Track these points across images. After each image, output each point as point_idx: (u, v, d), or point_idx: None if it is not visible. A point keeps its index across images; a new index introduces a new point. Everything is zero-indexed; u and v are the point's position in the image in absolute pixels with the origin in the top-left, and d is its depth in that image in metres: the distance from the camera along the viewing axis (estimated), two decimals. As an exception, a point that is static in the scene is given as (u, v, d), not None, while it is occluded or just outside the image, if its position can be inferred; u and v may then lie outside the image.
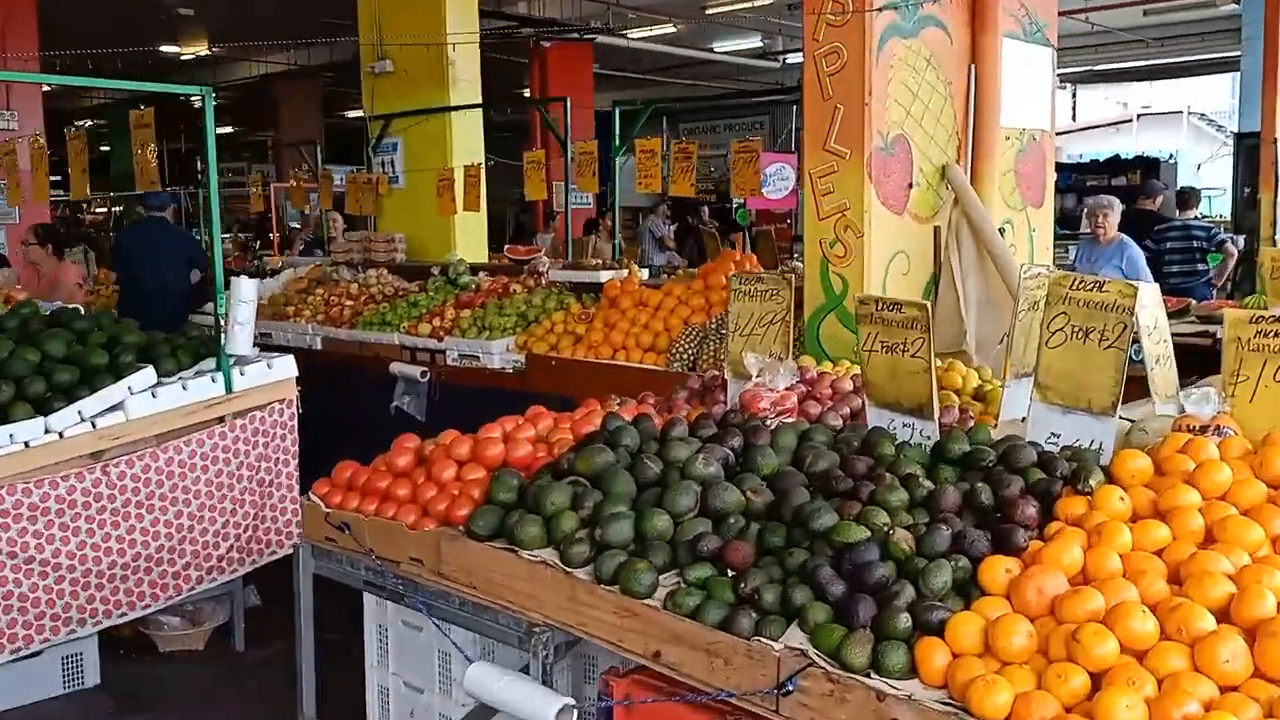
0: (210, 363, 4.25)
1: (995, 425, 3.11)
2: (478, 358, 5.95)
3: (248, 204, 13.06)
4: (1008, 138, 4.80)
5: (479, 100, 8.16)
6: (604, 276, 6.11)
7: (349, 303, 7.11)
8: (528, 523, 2.45)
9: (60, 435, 3.82)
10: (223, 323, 4.17)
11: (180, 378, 4.16)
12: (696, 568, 2.21)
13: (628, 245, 10.07)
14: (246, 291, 4.11)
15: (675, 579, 2.24)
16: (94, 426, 3.90)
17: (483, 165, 7.73)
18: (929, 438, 2.79)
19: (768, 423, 2.95)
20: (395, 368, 6.33)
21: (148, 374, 4.03)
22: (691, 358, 4.97)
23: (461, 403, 6.04)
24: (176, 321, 7.77)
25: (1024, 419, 2.96)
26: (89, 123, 26.78)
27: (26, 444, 3.74)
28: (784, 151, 11.55)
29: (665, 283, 5.77)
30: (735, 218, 12.49)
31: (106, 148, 26.37)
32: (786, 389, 3.05)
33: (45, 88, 20.35)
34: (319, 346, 6.93)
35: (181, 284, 7.44)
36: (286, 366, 4.46)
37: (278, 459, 4.46)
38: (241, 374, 4.30)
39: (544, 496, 2.48)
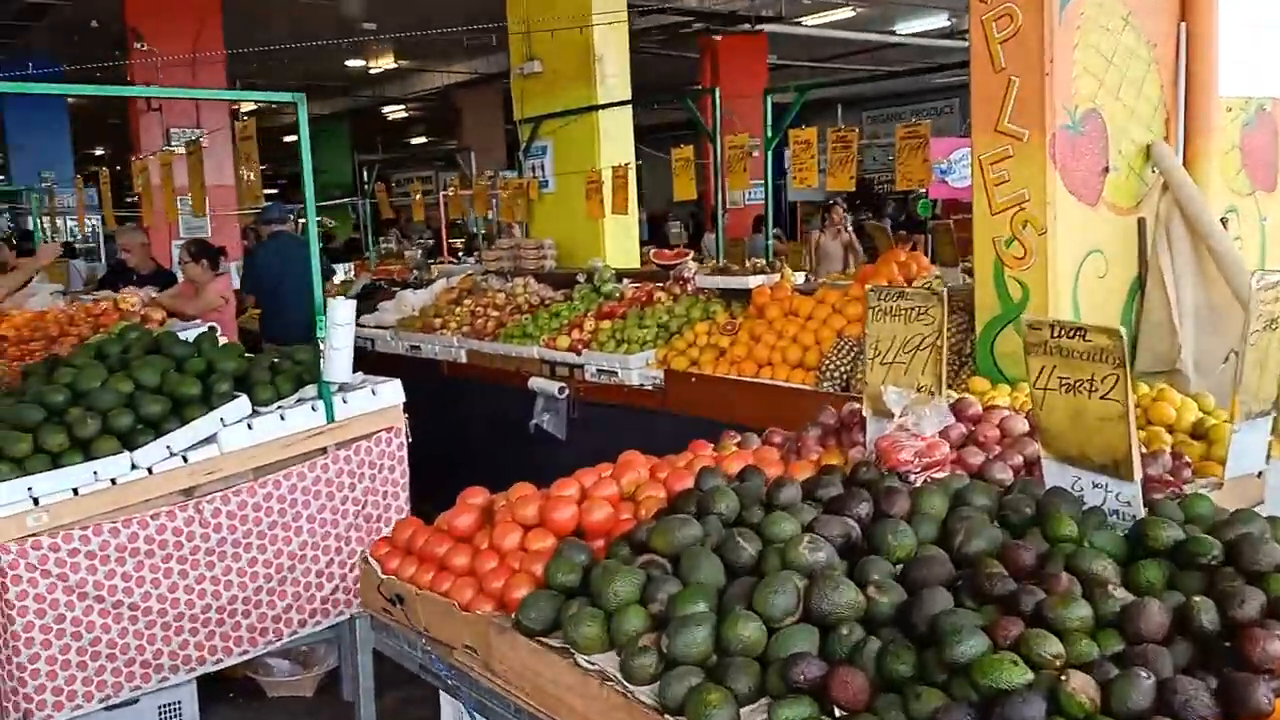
0: (311, 390, 3.95)
1: (1222, 482, 2.37)
2: (615, 373, 5.49)
3: (438, 212, 13.19)
4: (1229, 109, 3.93)
5: (629, 97, 7.71)
6: (753, 282, 5.53)
7: (494, 313, 6.81)
8: (585, 618, 1.92)
9: (149, 471, 3.58)
10: (321, 347, 3.85)
11: (279, 407, 3.87)
12: (789, 704, 1.62)
13: (795, 246, 9.42)
14: (342, 314, 3.78)
15: (763, 715, 1.67)
16: (185, 461, 3.65)
17: (631, 166, 7.28)
18: (1127, 504, 2.10)
19: (910, 479, 2.33)
20: (534, 383, 5.96)
21: (241, 404, 3.75)
22: (844, 376, 4.33)
23: (601, 422, 5.60)
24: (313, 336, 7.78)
25: (1261, 474, 2.22)
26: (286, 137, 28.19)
27: (113, 481, 3.52)
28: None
29: (818, 289, 5.14)
30: (916, 211, 11.61)
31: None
32: (937, 434, 2.41)
33: (236, 105, 21.39)
34: (463, 359, 6.66)
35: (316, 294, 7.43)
36: (392, 393, 4.11)
37: (386, 492, 4.12)
38: (344, 401, 3.98)
39: (607, 583, 1.95)
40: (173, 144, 10.69)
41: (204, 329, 5.29)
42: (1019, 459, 2.50)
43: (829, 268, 9.24)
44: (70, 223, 15.28)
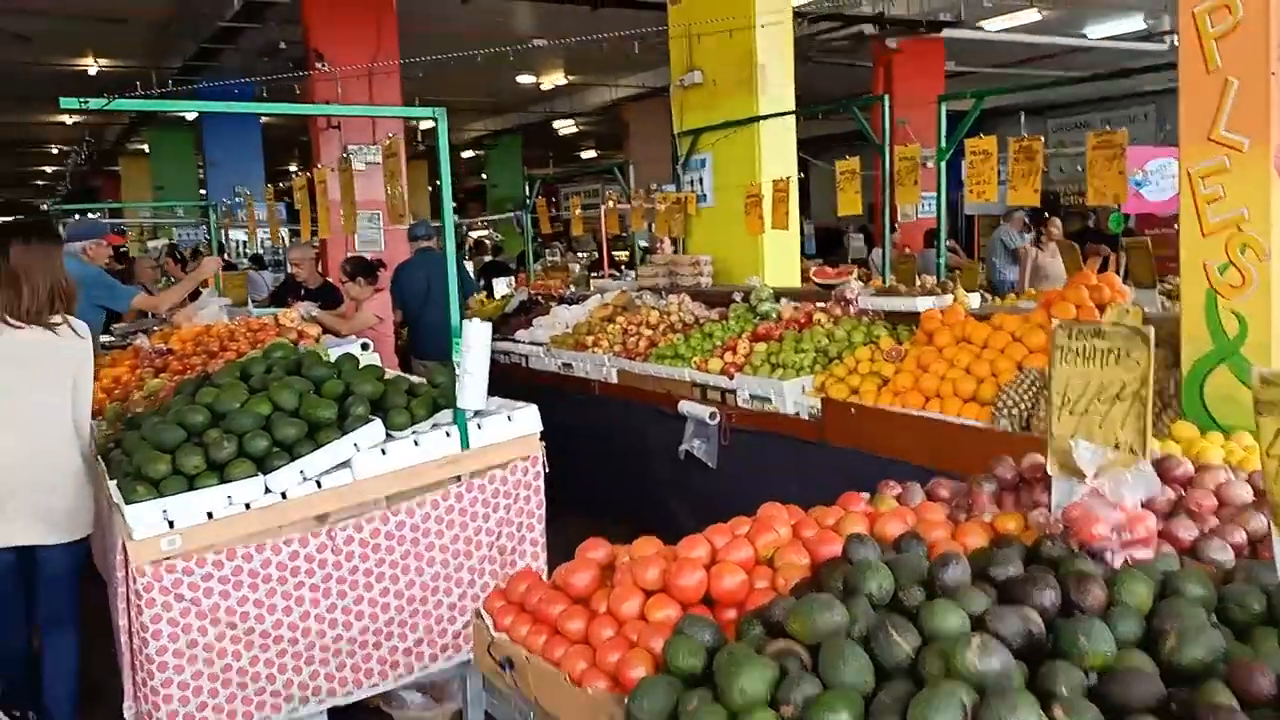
0: (446, 416, 3.80)
1: None
2: (769, 400, 5.18)
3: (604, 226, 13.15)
4: None
5: (792, 107, 7.38)
6: (922, 304, 5.12)
7: (647, 332, 6.60)
8: (706, 715, 1.64)
9: (283, 496, 3.51)
10: (457, 371, 3.70)
11: (414, 432, 3.74)
12: None
13: (970, 264, 8.80)
14: (477, 338, 3.61)
15: None
16: (319, 486, 3.56)
17: (794, 179, 6.94)
18: (1394, 607, 1.66)
19: (1109, 557, 1.94)
20: (684, 407, 5.71)
21: (375, 429, 3.64)
22: (1023, 413, 3.89)
23: (753, 452, 5.29)
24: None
25: None
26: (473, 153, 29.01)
27: (247, 505, 3.46)
28: (1170, 144, 9.73)
29: (995, 313, 4.68)
30: (1107, 226, 10.77)
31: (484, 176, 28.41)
32: (1140, 504, 2.01)
33: (420, 124, 22.02)
34: (614, 379, 6.47)
35: (462, 310, 7.44)
36: (529, 420, 3.93)
37: (521, 523, 3.94)
38: (479, 428, 3.82)
39: (733, 677, 1.66)
40: (353, 160, 11.02)
41: (352, 347, 5.30)
42: (1241, 535, 2.07)
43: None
44: (263, 235, 16.01)
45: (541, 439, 3.99)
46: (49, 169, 30.94)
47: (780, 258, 7.39)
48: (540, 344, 7.30)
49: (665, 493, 5.99)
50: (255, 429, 3.54)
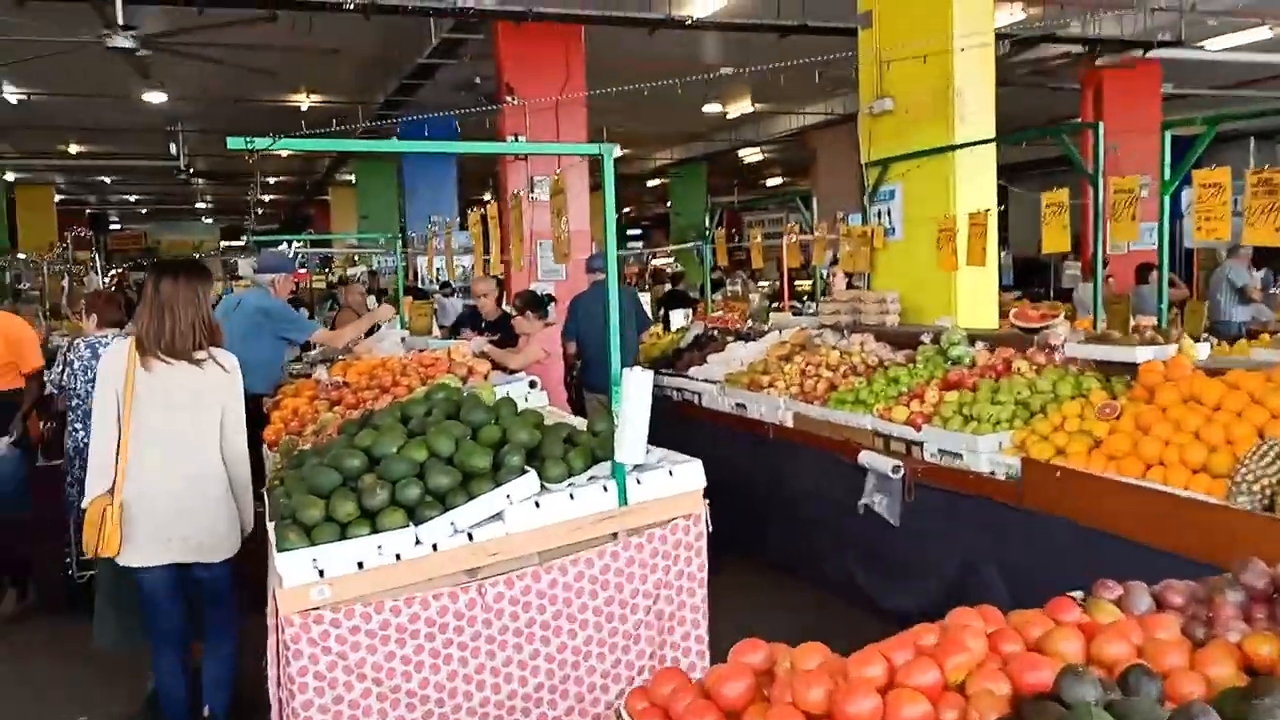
0: (604, 468, 3.58)
1: None
2: (961, 456, 4.73)
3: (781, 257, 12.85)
4: None
5: (992, 135, 6.86)
6: (1141, 355, 4.56)
7: (827, 373, 6.23)
8: None
9: (434, 548, 3.36)
10: (615, 421, 3.47)
11: (570, 485, 3.53)
12: None
13: (1195, 305, 7.92)
14: (637, 387, 3.37)
15: None
16: (470, 539, 3.40)
17: (992, 212, 6.42)
18: None
19: None
20: (865, 458, 5.31)
21: (529, 481, 3.45)
22: (1267, 491, 3.33)
23: (941, 512, 4.85)
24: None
25: None
26: (657, 181, 29.20)
27: (398, 556, 3.32)
28: None
29: (1230, 368, 4.09)
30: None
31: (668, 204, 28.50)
32: None
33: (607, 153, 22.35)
34: (790, 423, 6.14)
35: (636, 346, 7.31)
36: (692, 475, 3.66)
37: (681, 587, 3.66)
38: (638, 483, 3.57)
39: None
40: (535, 192, 11.13)
41: (519, 384, 5.17)
42: None
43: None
44: (464, 261, 16.44)
45: (706, 496, 3.71)
46: (267, 198, 33.10)
47: (975, 296, 6.87)
48: (714, 382, 7.04)
49: (841, 548, 5.59)
50: (409, 476, 3.41)
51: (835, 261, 7.94)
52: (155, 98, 14.62)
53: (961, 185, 6.83)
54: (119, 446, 3.84)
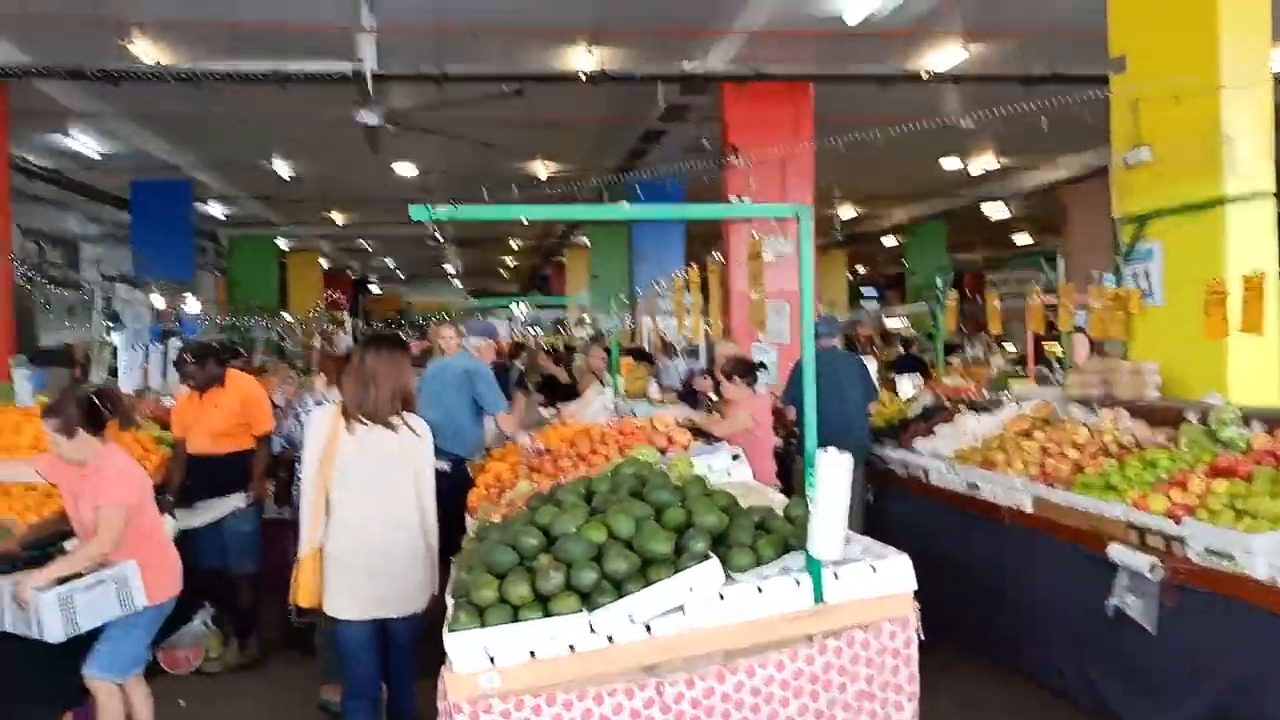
0: (797, 560, 3.22)
1: None
2: (1231, 557, 4.03)
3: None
4: None
5: (1271, 188, 6.03)
6: None
7: (1073, 453, 5.59)
8: None
9: (609, 639, 3.10)
10: (810, 509, 3.11)
11: (759, 576, 3.19)
12: None
13: None
14: (834, 473, 3.00)
15: None
16: (649, 631, 3.12)
17: (1273, 273, 5.60)
18: None
19: None
20: (1115, 552, 4.66)
21: (713, 570, 3.13)
22: None
23: (1208, 622, 4.16)
24: (860, 453, 7.11)
25: None
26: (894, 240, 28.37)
27: (572, 646, 3.09)
28: None
29: None
30: None
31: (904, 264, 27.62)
32: None
33: (838, 211, 21.83)
34: (1028, 507, 5.52)
35: (862, 417, 6.86)
36: (899, 573, 3.23)
37: (885, 699, 3.22)
38: (836, 578, 3.19)
39: None
40: (762, 254, 10.90)
41: (720, 455, 4.89)
42: None
43: None
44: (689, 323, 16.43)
45: (916, 598, 3.27)
46: (510, 260, 34.69)
47: (1251, 369, 6.00)
48: (942, 457, 6.48)
49: (1085, 654, 4.92)
50: (585, 559, 3.19)
51: (1079, 329, 7.22)
52: (406, 170, 15.53)
53: (1234, 243, 6.02)
54: (325, 504, 4.13)
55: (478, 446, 6.23)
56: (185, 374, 6.09)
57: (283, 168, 17.00)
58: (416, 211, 3.08)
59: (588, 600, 3.12)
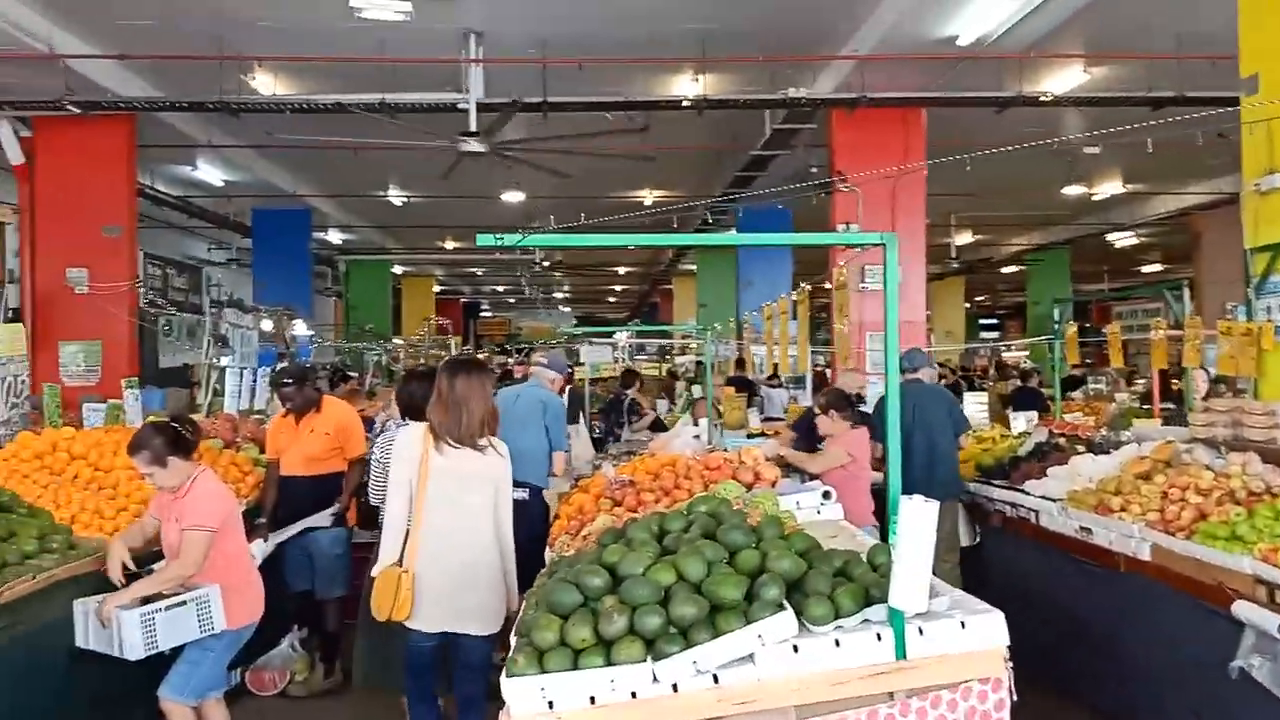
0: (879, 612, 3.00)
1: None
2: (1377, 622, 3.62)
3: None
4: None
5: None
6: None
7: (1196, 499, 5.19)
8: None
9: (674, 689, 2.94)
10: (892, 557, 2.90)
11: (837, 628, 2.99)
12: None
13: None
14: (916, 520, 2.78)
15: None
16: (716, 681, 2.94)
17: None
18: None
19: None
20: (1241, 609, 4.28)
21: (785, 621, 2.94)
22: None
23: (1348, 691, 3.74)
24: (950, 489, 6.77)
25: None
26: (1012, 268, 27.46)
27: (633, 694, 2.93)
28: None
29: None
30: None
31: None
32: None
33: (954, 240, 21.21)
34: (1145, 556, 5.14)
35: (950, 453, 6.57)
36: (990, 630, 2.98)
37: (974, 767, 2.97)
38: (920, 633, 2.96)
39: None
40: (865, 281, 10.60)
41: (809, 494, 4.68)
42: None
43: None
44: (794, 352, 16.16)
45: (1014, 651, 3.01)
46: (618, 287, 34.85)
47: (1402, 411, 5.50)
48: (1054, 499, 6.11)
49: (1199, 713, 4.52)
50: (651, 602, 3.03)
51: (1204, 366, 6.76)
52: (514, 197, 15.72)
53: (1380, 272, 5.55)
54: (412, 521, 4.31)
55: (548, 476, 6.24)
56: (283, 396, 6.16)
57: (396, 196, 17.42)
58: (482, 238, 3.00)
59: (652, 646, 2.97)
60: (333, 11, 8.91)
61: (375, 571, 4.37)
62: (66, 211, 10.95)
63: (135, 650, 4.03)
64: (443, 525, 4.30)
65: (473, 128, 10.30)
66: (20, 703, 3.80)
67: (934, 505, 2.82)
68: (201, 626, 4.21)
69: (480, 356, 26.95)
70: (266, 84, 10.77)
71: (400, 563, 4.27)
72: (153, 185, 14.74)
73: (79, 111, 10.04)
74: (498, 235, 3.01)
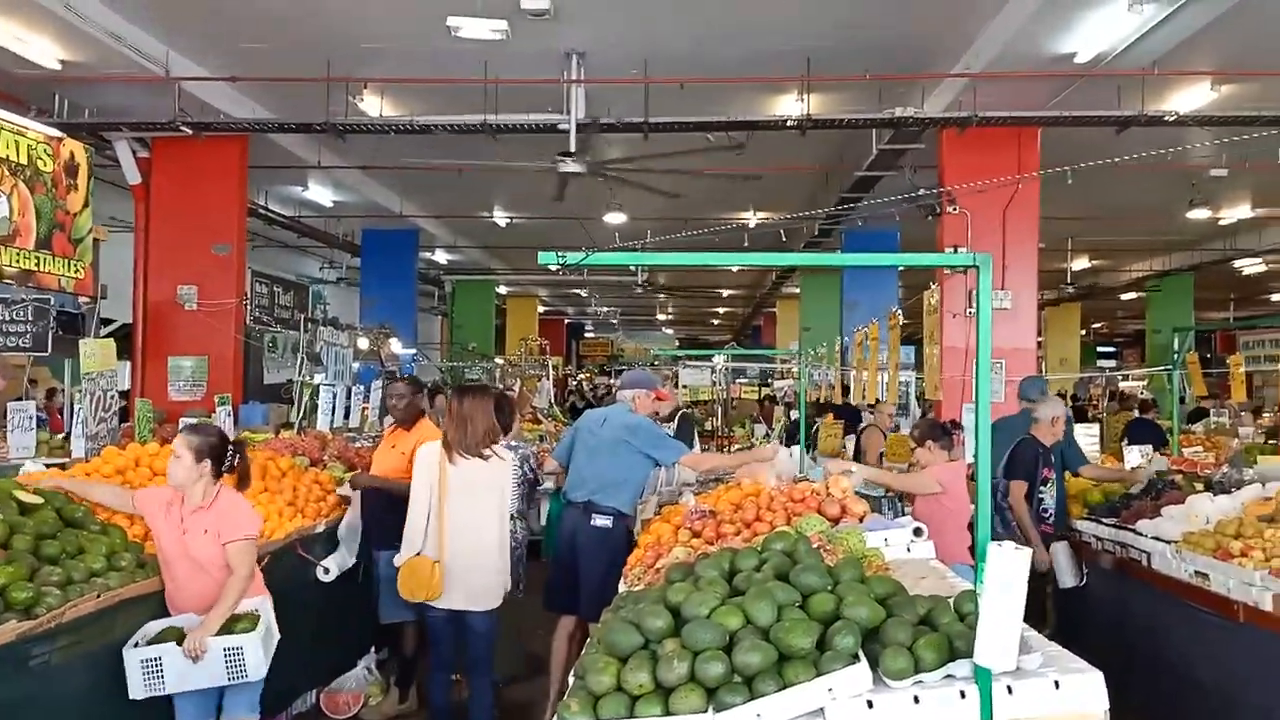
0: (964, 667, 2.75)
1: None
2: None
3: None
4: None
5: None
6: None
7: (1328, 547, 4.74)
8: None
9: (736, 742, 2.74)
10: (979, 608, 2.64)
11: (916, 683, 2.75)
12: None
13: None
14: (1006, 570, 2.53)
15: None
16: (782, 737, 2.73)
17: None
18: None
19: None
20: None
21: (859, 674, 2.72)
22: None
23: None
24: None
25: None
26: (1135, 294, 26.30)
27: (693, 746, 2.75)
28: None
29: None
30: None
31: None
32: None
33: (1070, 265, 20.41)
34: (1267, 606, 4.73)
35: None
36: (1087, 692, 2.70)
37: (1068, 843, 2.70)
38: (1009, 692, 2.70)
39: None
40: (973, 306, 10.19)
41: (900, 530, 4.42)
42: None
43: None
44: (902, 377, 15.71)
45: (1119, 701, 2.73)
46: (721, 310, 34.62)
47: None
48: (1167, 541, 5.70)
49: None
50: (714, 648, 2.84)
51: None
52: (615, 218, 15.68)
53: None
54: (434, 521, 5.10)
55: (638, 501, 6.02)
56: (390, 406, 6.28)
57: (500, 216, 17.58)
58: (544, 256, 2.87)
59: (714, 695, 2.78)
60: (438, 33, 8.99)
61: (399, 561, 5.09)
62: (179, 230, 11.29)
63: (257, 672, 4.11)
64: (458, 523, 5.07)
65: (572, 148, 10.26)
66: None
67: (1026, 553, 2.56)
68: (264, 642, 4.20)
69: (582, 377, 27.08)
70: (373, 105, 10.95)
71: (419, 554, 5.05)
72: (266, 205, 15.17)
73: (192, 132, 10.34)
74: (559, 253, 2.88)
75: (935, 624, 2.96)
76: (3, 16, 8.39)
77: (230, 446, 4.43)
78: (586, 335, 41.52)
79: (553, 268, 2.81)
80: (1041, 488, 6.48)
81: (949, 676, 2.77)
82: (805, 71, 10.11)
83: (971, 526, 5.62)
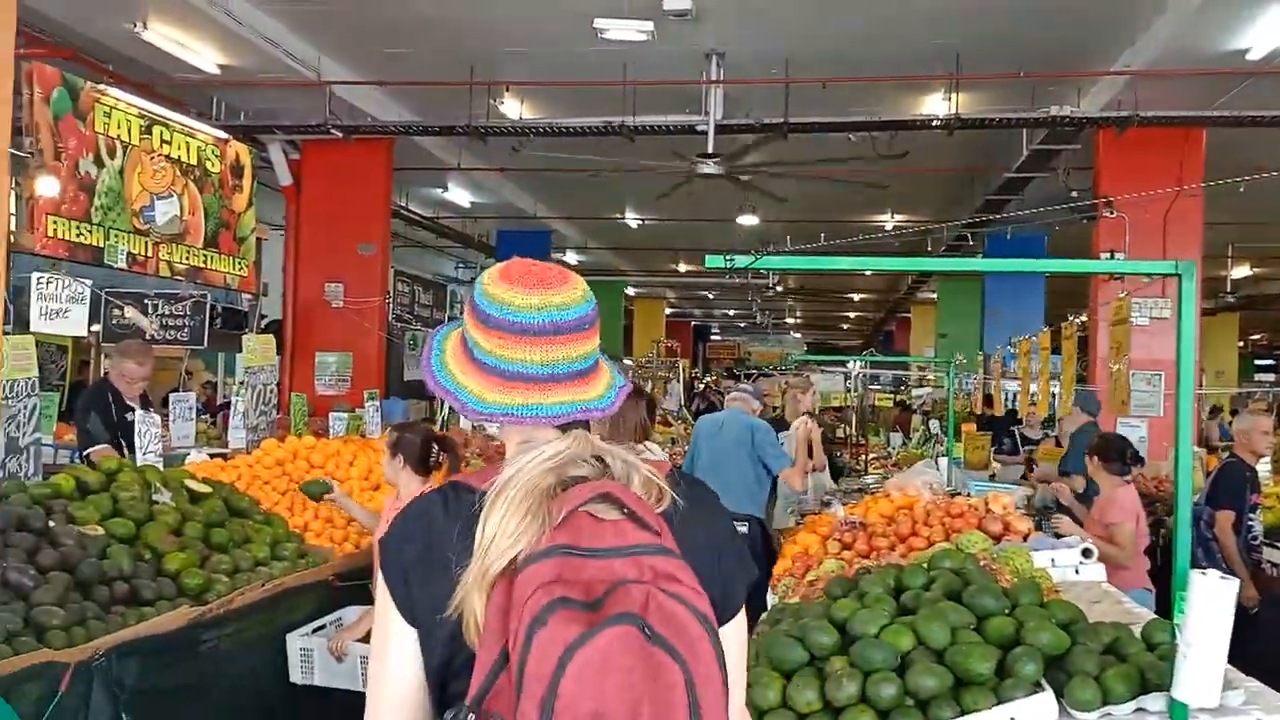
0: (1157, 700, 2.55)
1: None
2: None
3: None
4: None
5: None
6: None
7: None
8: None
9: (907, 769, 2.61)
10: (1177, 640, 2.45)
11: (1107, 714, 2.57)
12: None
13: None
14: (1210, 598, 2.32)
15: None
16: (959, 769, 2.59)
17: None
18: None
19: None
20: None
21: (1044, 703, 2.55)
22: None
23: None
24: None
25: None
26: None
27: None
28: None
29: None
30: None
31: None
32: None
33: (1230, 273, 19.37)
34: None
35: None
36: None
37: None
38: (1208, 735, 2.49)
39: None
40: (1133, 315, 9.68)
41: (1068, 552, 4.19)
42: None
43: None
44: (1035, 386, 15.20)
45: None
46: (851, 314, 34.00)
47: None
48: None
49: None
50: (886, 669, 2.71)
51: None
52: (748, 220, 15.53)
53: None
54: None
55: (761, 505, 6.00)
56: None
57: (632, 218, 17.64)
58: (712, 260, 2.80)
59: (886, 718, 2.65)
60: (577, 37, 9.04)
61: None
62: (327, 230, 11.67)
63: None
64: None
65: (710, 149, 10.19)
66: (240, 704, 3.91)
67: (1234, 583, 2.36)
68: None
69: (708, 380, 27.01)
70: (513, 108, 11.09)
71: None
72: (407, 206, 15.58)
73: (342, 135, 10.66)
74: (727, 255, 2.80)
75: (1121, 653, 2.76)
76: (165, 23, 8.79)
77: (436, 442, 4.35)
78: (713, 338, 41.38)
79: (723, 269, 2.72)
80: (1251, 514, 5.92)
81: (1140, 710, 2.58)
82: (954, 69, 9.80)
83: (1149, 550, 5.32)
